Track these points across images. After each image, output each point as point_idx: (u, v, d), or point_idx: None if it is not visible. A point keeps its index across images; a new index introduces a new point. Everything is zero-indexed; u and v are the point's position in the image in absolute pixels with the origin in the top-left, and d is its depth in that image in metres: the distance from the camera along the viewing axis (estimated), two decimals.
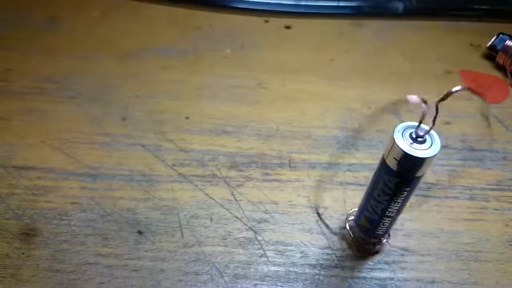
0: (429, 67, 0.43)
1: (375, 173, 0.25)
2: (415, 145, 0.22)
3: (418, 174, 0.23)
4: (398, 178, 0.23)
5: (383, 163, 0.24)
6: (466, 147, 0.36)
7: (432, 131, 0.22)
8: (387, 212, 0.25)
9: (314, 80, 0.40)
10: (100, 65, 0.40)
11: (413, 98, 0.22)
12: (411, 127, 0.23)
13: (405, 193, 0.24)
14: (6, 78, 0.38)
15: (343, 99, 0.39)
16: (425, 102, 0.21)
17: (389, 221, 0.26)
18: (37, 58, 0.40)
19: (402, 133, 0.22)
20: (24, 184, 0.31)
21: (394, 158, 0.22)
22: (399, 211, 0.25)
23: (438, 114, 0.21)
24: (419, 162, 0.22)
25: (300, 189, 0.32)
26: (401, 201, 0.24)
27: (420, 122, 0.22)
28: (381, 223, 0.26)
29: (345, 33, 0.46)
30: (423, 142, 0.22)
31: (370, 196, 0.26)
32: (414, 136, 0.22)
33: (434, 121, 0.22)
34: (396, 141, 0.22)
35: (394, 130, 0.23)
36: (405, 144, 0.22)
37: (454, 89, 0.21)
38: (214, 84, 0.39)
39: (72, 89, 0.37)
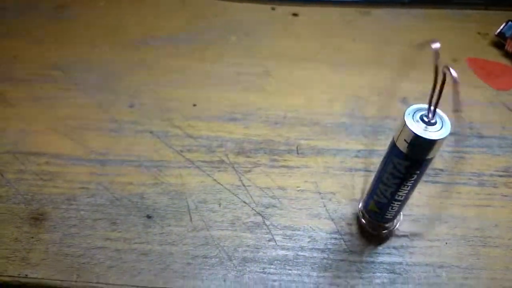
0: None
1: (385, 157, 0.25)
2: (426, 127, 0.22)
3: (429, 156, 0.23)
4: (408, 161, 0.23)
5: (393, 146, 0.23)
6: (475, 134, 0.36)
7: (442, 114, 0.22)
8: (396, 195, 0.25)
9: (321, 68, 0.40)
10: (107, 53, 0.40)
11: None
12: (422, 109, 0.22)
13: (415, 176, 0.24)
14: (13, 65, 0.38)
15: (351, 86, 0.39)
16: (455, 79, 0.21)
17: (398, 205, 0.26)
18: (45, 46, 0.40)
19: (413, 115, 0.22)
20: (32, 169, 0.32)
21: (405, 140, 0.22)
22: (408, 194, 0.25)
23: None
24: (430, 144, 0.22)
25: (308, 175, 0.32)
26: (410, 184, 0.24)
27: (430, 104, 0.22)
28: (390, 207, 0.26)
29: (353, 21, 0.46)
30: (434, 124, 0.22)
31: (379, 180, 0.26)
32: (425, 118, 0.22)
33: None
34: (407, 123, 0.22)
35: (404, 112, 0.22)
36: (416, 126, 0.22)
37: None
38: (221, 72, 0.39)
39: (79, 77, 0.37)
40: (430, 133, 0.22)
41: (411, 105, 0.23)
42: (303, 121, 0.36)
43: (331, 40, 0.43)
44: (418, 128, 0.22)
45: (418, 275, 0.28)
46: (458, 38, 0.45)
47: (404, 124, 0.22)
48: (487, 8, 0.48)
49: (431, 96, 0.22)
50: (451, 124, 0.22)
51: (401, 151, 0.23)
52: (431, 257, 0.29)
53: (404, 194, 0.25)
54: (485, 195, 0.32)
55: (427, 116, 0.22)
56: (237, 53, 0.41)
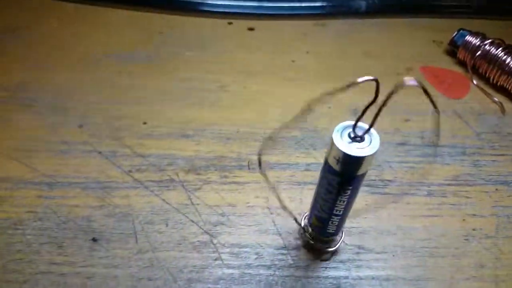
0: (391, 65, 0.43)
1: (321, 173, 0.25)
2: (354, 144, 0.22)
3: (360, 172, 0.23)
4: (340, 177, 0.23)
5: (325, 162, 0.24)
6: (426, 144, 0.37)
7: (371, 129, 0.23)
8: (335, 210, 0.25)
9: (275, 82, 0.41)
10: (59, 73, 0.39)
11: (409, 80, 0.21)
12: (350, 126, 0.23)
13: (349, 191, 0.24)
14: None
15: (303, 99, 0.38)
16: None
17: (338, 220, 0.26)
18: None
19: (341, 132, 0.23)
20: None
21: (334, 157, 0.23)
22: (346, 209, 0.26)
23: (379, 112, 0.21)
24: (358, 161, 0.22)
25: (258, 191, 0.33)
26: (346, 199, 0.25)
27: (357, 121, 0.22)
28: (330, 222, 0.26)
29: (308, 34, 0.46)
30: (362, 140, 0.22)
31: (318, 195, 0.26)
32: (352, 135, 0.22)
33: (374, 121, 0.22)
34: (335, 141, 0.22)
35: (333, 130, 0.23)
36: (343, 143, 0.22)
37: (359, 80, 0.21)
38: (174, 88, 0.39)
39: (30, 98, 0.37)
40: (358, 150, 0.22)
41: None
42: (255, 135, 0.36)
43: (285, 53, 0.43)
44: (346, 146, 0.22)
45: None
46: (413, 47, 0.46)
47: (332, 142, 0.22)
48: (443, 16, 0.49)
49: (362, 113, 0.22)
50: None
51: (333, 168, 0.23)
52: (378, 270, 0.29)
53: (342, 209, 0.25)
54: (434, 205, 0.33)
55: (355, 133, 0.22)
56: (191, 69, 0.41)
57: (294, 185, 0.33)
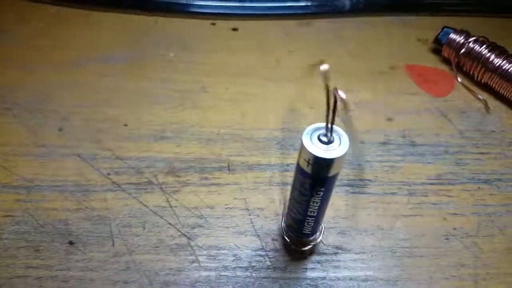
0: (375, 63, 0.43)
1: (294, 175, 0.25)
2: (323, 146, 0.22)
3: (331, 174, 0.23)
4: (312, 179, 0.23)
5: (297, 165, 0.24)
6: (407, 143, 0.36)
7: (340, 131, 0.23)
8: (309, 212, 0.25)
9: (258, 82, 0.40)
10: (40, 76, 0.39)
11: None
12: (321, 128, 0.23)
13: (321, 193, 0.24)
14: None
15: (286, 100, 0.39)
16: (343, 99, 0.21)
17: (313, 221, 0.26)
18: None
19: (311, 135, 0.22)
20: None
21: (305, 160, 0.22)
22: (320, 210, 0.25)
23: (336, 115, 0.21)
24: (328, 162, 0.22)
25: (237, 192, 0.32)
26: (319, 200, 0.24)
27: (327, 123, 0.22)
28: (306, 223, 0.26)
29: (292, 34, 0.46)
30: (331, 142, 0.22)
31: (292, 197, 0.26)
32: (321, 137, 0.22)
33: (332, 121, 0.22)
34: (304, 143, 0.22)
35: (303, 132, 0.23)
36: (312, 146, 0.22)
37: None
38: (155, 90, 0.39)
39: (9, 101, 0.37)
40: (327, 152, 0.22)
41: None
42: (236, 137, 0.36)
43: (269, 53, 0.43)
44: (315, 148, 0.22)
45: None
46: (398, 45, 0.46)
47: (302, 144, 0.22)
48: (428, 14, 0.49)
49: (327, 115, 0.22)
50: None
51: (304, 170, 0.23)
52: (356, 270, 0.29)
53: (316, 210, 0.25)
54: (414, 205, 0.33)
55: (325, 135, 0.22)
56: (174, 70, 0.41)
57: (273, 185, 0.33)
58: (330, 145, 0.22)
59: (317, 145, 0.22)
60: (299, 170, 0.23)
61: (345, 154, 0.22)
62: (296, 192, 0.25)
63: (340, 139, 0.22)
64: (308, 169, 0.23)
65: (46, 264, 0.28)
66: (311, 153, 0.22)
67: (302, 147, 0.22)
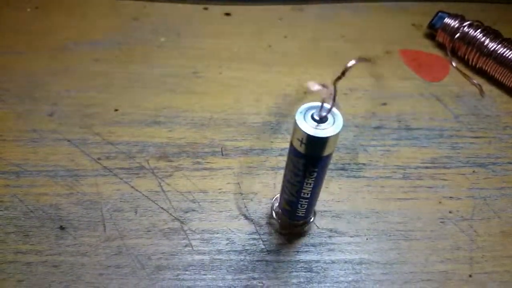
0: (369, 48, 0.43)
1: (287, 156, 0.24)
2: (316, 125, 0.22)
3: (324, 153, 0.22)
4: (305, 159, 0.23)
5: (291, 145, 0.23)
6: (402, 127, 0.36)
7: (335, 110, 0.22)
8: (302, 193, 0.25)
9: (251, 67, 0.40)
10: (30, 61, 0.39)
11: (313, 85, 0.21)
12: (314, 107, 0.22)
13: (315, 174, 0.24)
14: None
15: (279, 85, 0.38)
16: (324, 86, 0.21)
17: (306, 203, 0.26)
18: None
19: (305, 114, 0.22)
20: None
21: (298, 139, 0.22)
22: (314, 192, 0.25)
23: (337, 93, 0.21)
24: (321, 141, 0.22)
25: (230, 176, 0.32)
26: (312, 182, 0.24)
27: (323, 103, 0.22)
28: (299, 205, 0.26)
29: (285, 18, 0.45)
30: (325, 121, 0.22)
31: (285, 179, 0.25)
32: (315, 116, 0.22)
33: (334, 99, 0.21)
34: (297, 122, 0.22)
35: (296, 111, 0.22)
36: (306, 125, 0.22)
37: (349, 64, 0.21)
38: (146, 75, 0.38)
39: (0, 87, 0.36)
40: (321, 131, 0.21)
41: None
42: (230, 121, 0.35)
43: (262, 38, 0.43)
44: (309, 127, 0.22)
45: (336, 273, 0.28)
46: (392, 30, 0.45)
47: (295, 123, 0.22)
48: None
49: (322, 100, 0.21)
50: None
51: (297, 150, 0.23)
52: (351, 253, 0.29)
53: (309, 192, 0.25)
54: (409, 188, 0.32)
55: (318, 114, 0.22)
56: (165, 55, 0.40)
57: (268, 170, 0.32)
58: (324, 124, 0.22)
59: (310, 124, 0.22)
60: (292, 150, 0.23)
61: (338, 133, 0.22)
62: (289, 174, 0.25)
63: (334, 118, 0.22)
64: (301, 149, 0.22)
65: (36, 249, 0.28)
66: (304, 131, 0.21)
67: (296, 126, 0.22)
